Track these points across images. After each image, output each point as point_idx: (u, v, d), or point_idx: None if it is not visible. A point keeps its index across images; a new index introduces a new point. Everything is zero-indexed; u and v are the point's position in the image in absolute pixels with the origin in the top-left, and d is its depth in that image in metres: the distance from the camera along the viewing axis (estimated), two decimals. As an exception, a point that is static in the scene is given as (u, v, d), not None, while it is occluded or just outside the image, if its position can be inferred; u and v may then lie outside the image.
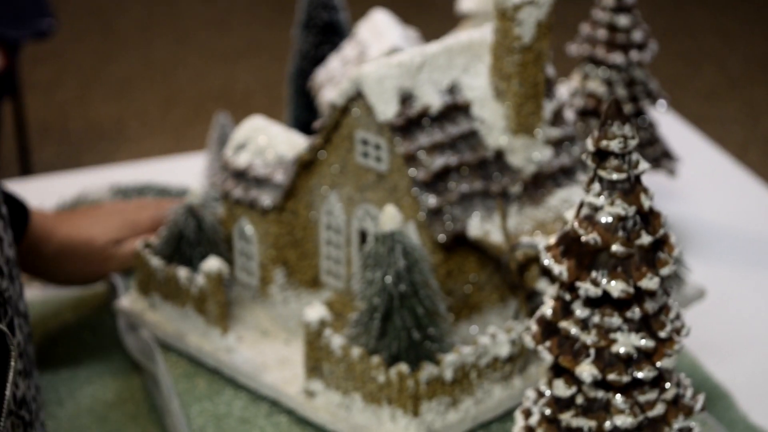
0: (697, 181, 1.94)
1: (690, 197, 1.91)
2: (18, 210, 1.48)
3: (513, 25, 1.34)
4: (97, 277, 1.58)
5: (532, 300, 1.35)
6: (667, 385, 1.09)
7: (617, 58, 1.70)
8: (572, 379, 1.07)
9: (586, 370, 1.05)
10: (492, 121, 1.38)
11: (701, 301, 1.48)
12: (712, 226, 1.85)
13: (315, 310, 1.31)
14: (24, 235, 1.48)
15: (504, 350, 1.32)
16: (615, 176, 1.03)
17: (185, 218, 1.44)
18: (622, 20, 1.70)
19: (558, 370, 1.09)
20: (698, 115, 4.23)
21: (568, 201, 1.39)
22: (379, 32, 1.62)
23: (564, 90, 1.74)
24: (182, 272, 1.43)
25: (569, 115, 1.47)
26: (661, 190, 1.88)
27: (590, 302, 1.05)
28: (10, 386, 1.13)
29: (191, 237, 1.44)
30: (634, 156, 1.03)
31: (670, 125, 2.08)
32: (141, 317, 1.48)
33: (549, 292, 1.08)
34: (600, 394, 1.07)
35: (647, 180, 1.05)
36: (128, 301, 1.50)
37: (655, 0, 5.23)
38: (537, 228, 1.37)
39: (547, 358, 1.07)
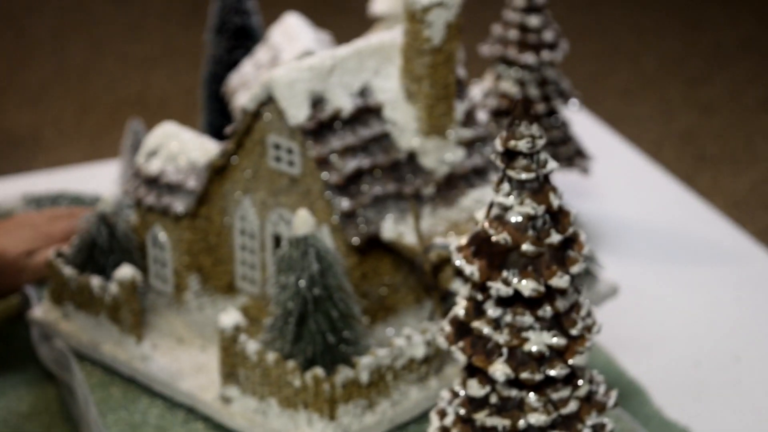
0: (612, 179, 1.96)
1: (604, 195, 1.93)
2: None
3: (422, 27, 1.34)
4: (10, 290, 1.56)
5: (447, 301, 1.36)
6: (580, 382, 1.09)
7: (529, 58, 1.72)
8: (486, 379, 1.08)
9: (499, 370, 1.05)
10: (404, 123, 1.38)
11: (615, 297, 1.49)
12: (627, 223, 1.86)
13: (230, 316, 1.31)
14: None
15: (419, 351, 1.32)
16: (524, 176, 1.03)
17: (97, 226, 1.43)
18: (533, 20, 1.72)
19: (472, 370, 1.09)
20: (613, 113, 4.26)
21: (480, 201, 1.39)
22: (291, 36, 1.62)
23: (477, 90, 1.75)
24: (95, 281, 1.42)
25: (482, 115, 1.47)
26: (574, 188, 1.89)
27: (502, 302, 1.06)
28: None
29: (104, 245, 1.43)
30: (543, 155, 1.04)
31: (584, 124, 2.10)
32: (55, 327, 1.46)
33: (461, 292, 1.09)
34: (513, 392, 1.08)
35: (560, 179, 1.06)
36: (41, 311, 1.48)
37: (570, -1, 5.26)
38: (450, 229, 1.37)
39: (461, 358, 1.08)
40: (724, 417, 1.45)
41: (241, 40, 1.75)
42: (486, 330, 1.06)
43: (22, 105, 4.52)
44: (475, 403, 1.09)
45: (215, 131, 1.73)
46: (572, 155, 1.78)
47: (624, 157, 2.07)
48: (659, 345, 1.58)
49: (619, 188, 1.95)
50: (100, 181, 1.86)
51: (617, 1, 5.34)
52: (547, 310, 1.05)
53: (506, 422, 1.08)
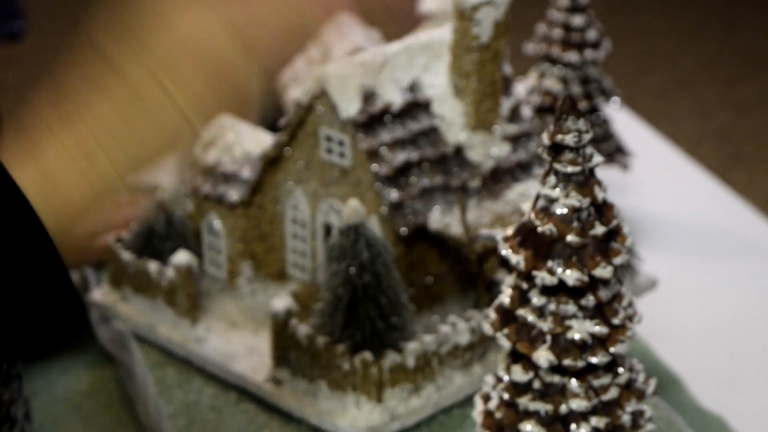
0: (650, 176, 1.95)
1: (643, 191, 1.92)
2: None
3: (471, 25, 1.35)
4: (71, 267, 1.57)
5: (491, 290, 1.36)
6: (621, 369, 1.10)
7: (572, 56, 1.72)
8: (529, 365, 1.08)
9: (543, 356, 1.06)
10: (451, 117, 1.39)
11: (653, 290, 1.49)
12: (665, 219, 1.86)
13: (282, 301, 1.32)
14: None
15: (464, 338, 1.33)
16: (570, 169, 1.03)
17: (156, 214, 1.44)
18: (577, 20, 1.72)
19: (515, 356, 1.09)
20: (651, 111, 4.24)
21: (524, 194, 1.39)
22: (342, 33, 1.63)
23: (521, 88, 1.75)
24: (152, 266, 1.43)
25: (526, 112, 1.47)
26: (614, 184, 1.89)
27: (546, 291, 1.06)
28: None
29: (161, 232, 1.45)
30: (588, 150, 1.04)
31: (623, 121, 2.10)
32: (113, 309, 1.48)
33: (507, 281, 1.09)
34: (556, 378, 1.08)
35: (601, 174, 1.06)
36: (100, 294, 1.50)
37: (608, 1, 5.25)
38: (495, 221, 1.38)
39: (505, 344, 1.08)
40: (757, 407, 1.45)
41: (293, 36, 1.75)
42: (530, 318, 1.07)
43: (78, 97, 4.54)
44: (518, 388, 1.09)
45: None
46: (613, 152, 1.78)
47: (662, 155, 2.07)
48: (695, 336, 1.58)
49: (658, 185, 1.95)
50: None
51: (655, 4, 5.32)
52: (590, 300, 1.05)
53: (549, 407, 1.08)
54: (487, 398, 1.14)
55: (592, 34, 1.73)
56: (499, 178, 1.40)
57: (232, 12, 1.00)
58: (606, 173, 1.82)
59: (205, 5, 0.99)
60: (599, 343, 1.06)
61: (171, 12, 0.99)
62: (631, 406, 1.10)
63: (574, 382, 1.08)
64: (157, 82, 0.98)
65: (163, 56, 0.99)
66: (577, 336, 1.05)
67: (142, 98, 0.99)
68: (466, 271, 1.39)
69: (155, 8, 0.99)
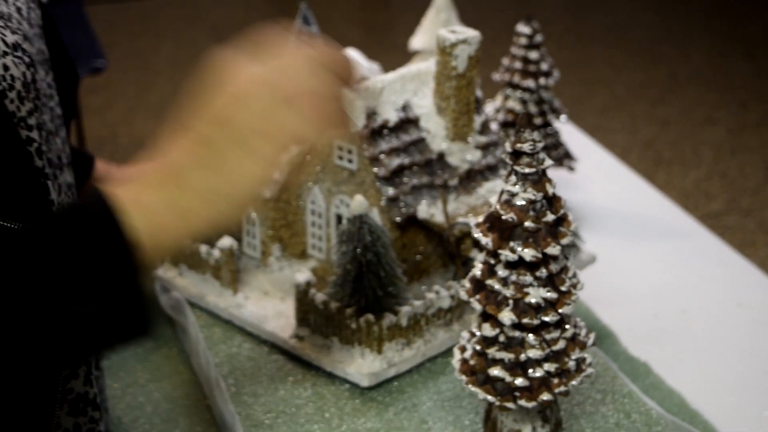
0: (591, 176, 1.95)
1: (585, 188, 1.92)
2: None
3: (450, 59, 1.34)
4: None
5: (466, 265, 1.36)
6: (567, 326, 1.10)
7: (530, 83, 1.71)
8: (496, 323, 1.08)
9: (507, 316, 1.06)
10: (435, 131, 1.38)
11: (593, 264, 1.49)
12: (603, 209, 1.85)
13: (303, 275, 1.31)
14: None
15: (446, 303, 1.32)
16: (527, 170, 1.03)
17: (205, 207, 1.44)
18: (533, 54, 1.71)
19: (485, 316, 1.09)
20: (592, 126, 4.24)
21: (492, 191, 1.39)
22: (350, 65, 1.62)
23: (490, 107, 1.75)
24: (203, 248, 1.43)
25: (494, 126, 1.47)
26: (563, 182, 1.89)
27: (509, 265, 1.06)
28: None
29: (209, 221, 1.44)
30: (541, 155, 1.04)
31: (570, 133, 2.09)
32: (172, 282, 1.47)
33: (478, 258, 1.09)
34: (517, 333, 1.08)
35: (552, 174, 1.06)
36: (162, 269, 1.50)
37: (559, 37, 5.24)
38: (470, 211, 1.37)
39: (477, 307, 1.08)
40: (675, 355, 1.44)
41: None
42: (497, 286, 1.06)
43: (146, 118, 4.54)
44: (487, 341, 1.09)
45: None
46: (562, 157, 1.77)
47: (600, 159, 2.06)
48: (626, 300, 1.57)
49: (597, 183, 1.94)
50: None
51: (594, 41, 5.31)
52: (543, 272, 1.05)
53: (511, 356, 1.08)
54: (463, 349, 1.14)
55: (545, 65, 1.72)
56: (472, 177, 1.40)
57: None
58: (556, 173, 1.83)
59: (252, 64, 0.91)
60: (550, 305, 1.06)
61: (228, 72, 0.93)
62: (575, 355, 1.10)
63: (531, 336, 1.08)
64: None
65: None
66: (533, 300, 1.05)
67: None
68: (447, 251, 1.39)
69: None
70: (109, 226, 0.83)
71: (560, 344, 1.09)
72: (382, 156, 1.33)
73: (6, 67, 0.93)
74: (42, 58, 1.08)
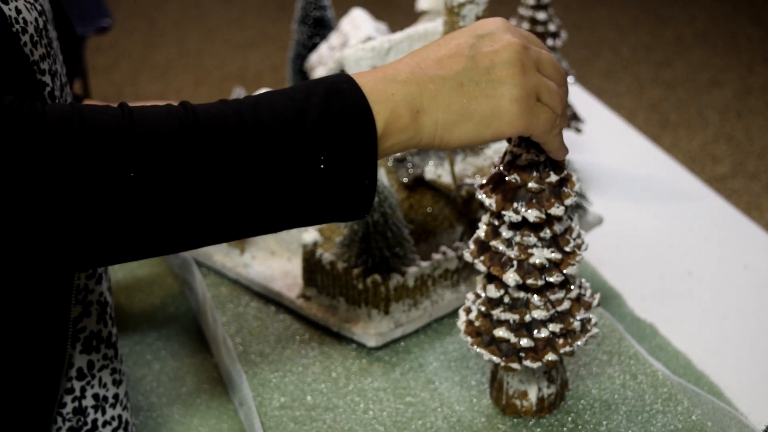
0: (598, 137, 1.95)
1: (593, 149, 1.92)
2: None
3: (458, 19, 1.33)
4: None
5: (474, 226, 1.36)
6: (572, 287, 1.10)
7: (536, 44, 1.70)
8: (501, 284, 1.08)
9: (511, 277, 1.06)
10: (442, 92, 1.38)
11: (600, 226, 1.48)
12: (610, 171, 1.85)
13: (310, 235, 1.31)
14: None
15: (452, 264, 1.32)
16: (533, 131, 1.03)
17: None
18: (541, 15, 1.70)
19: (490, 278, 1.09)
20: (598, 88, 4.22)
21: (499, 151, 1.39)
22: (357, 25, 1.62)
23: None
24: (210, 208, 1.43)
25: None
26: (570, 143, 1.88)
27: (513, 226, 1.06)
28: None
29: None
30: (548, 116, 1.04)
31: (577, 95, 2.09)
32: (179, 242, 1.47)
33: (483, 219, 1.09)
34: (521, 294, 1.08)
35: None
36: (169, 229, 1.49)
37: (565, 0, 5.21)
38: (476, 172, 1.37)
39: (482, 268, 1.08)
40: (680, 316, 1.45)
41: (318, 28, 1.74)
42: (501, 247, 1.06)
43: (153, 79, 4.53)
44: (492, 302, 1.09)
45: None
46: (569, 118, 1.77)
47: (607, 121, 2.06)
48: (633, 261, 1.57)
49: (604, 144, 1.94)
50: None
51: (602, 2, 5.28)
52: (547, 233, 1.05)
53: (516, 316, 1.08)
54: (469, 311, 1.14)
55: (552, 26, 1.71)
56: (479, 139, 1.39)
57: None
58: (564, 135, 1.82)
59: None
60: (555, 266, 1.06)
61: None
62: (580, 315, 1.10)
63: (535, 297, 1.08)
64: None
65: None
66: (537, 261, 1.05)
67: None
68: (454, 211, 1.39)
69: None
70: (357, 108, 0.86)
71: (565, 305, 1.08)
72: (388, 117, 1.33)
73: (18, 11, 0.93)
74: (50, 17, 1.07)
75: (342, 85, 0.88)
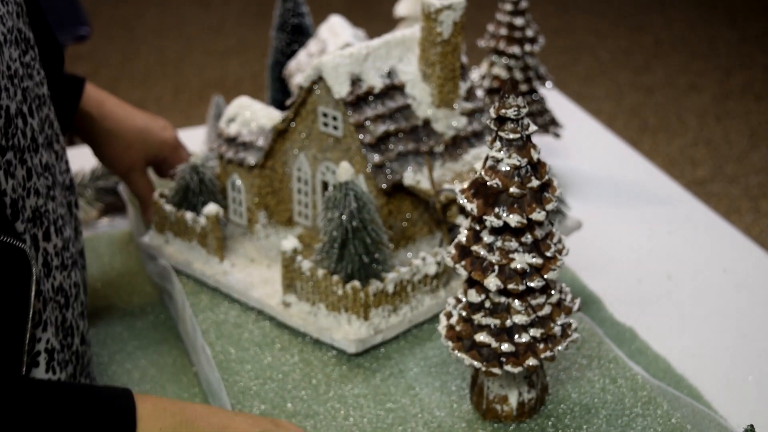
0: (577, 142, 1.95)
1: (571, 154, 1.92)
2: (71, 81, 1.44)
3: (435, 25, 1.34)
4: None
5: (452, 231, 1.36)
6: (553, 292, 1.10)
7: (515, 49, 1.70)
8: (482, 289, 1.08)
9: (492, 282, 1.06)
10: (421, 97, 1.38)
11: (579, 231, 1.49)
12: (589, 175, 1.86)
13: (289, 242, 1.31)
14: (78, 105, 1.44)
15: (432, 269, 1.32)
16: (511, 136, 1.03)
17: (190, 174, 1.43)
18: (518, 21, 1.70)
19: (471, 282, 1.09)
20: (577, 93, 4.23)
21: (478, 157, 1.39)
22: (335, 32, 1.62)
23: (475, 74, 1.74)
24: (189, 215, 1.42)
25: (479, 93, 1.47)
26: (549, 148, 1.89)
27: (494, 231, 1.06)
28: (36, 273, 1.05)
29: (195, 189, 1.44)
30: (526, 121, 1.04)
31: (555, 100, 2.09)
32: (159, 250, 1.47)
33: (464, 224, 1.09)
34: (502, 299, 1.08)
35: (538, 141, 1.05)
36: (149, 237, 1.49)
37: (544, 5, 5.22)
38: (455, 177, 1.37)
39: (463, 273, 1.08)
40: (659, 320, 1.45)
41: (297, 35, 1.74)
42: (482, 252, 1.06)
43: (132, 87, 4.52)
44: (473, 307, 1.09)
45: (278, 104, 1.73)
46: (547, 123, 1.77)
47: (586, 126, 2.06)
48: (612, 266, 1.57)
49: (583, 149, 1.94)
50: (191, 142, 1.86)
51: (580, 7, 5.30)
52: (528, 238, 1.05)
53: (497, 321, 1.08)
54: (449, 315, 1.14)
55: (530, 32, 1.71)
56: (458, 144, 1.40)
57: None
58: (542, 140, 1.82)
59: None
60: (536, 271, 1.06)
61: None
62: (561, 320, 1.10)
63: (516, 302, 1.08)
64: None
65: None
66: (518, 266, 1.05)
67: None
68: (433, 217, 1.39)
69: None
70: None
71: (546, 310, 1.09)
72: (367, 123, 1.33)
73: None
74: (14, 38, 1.05)
75: None
